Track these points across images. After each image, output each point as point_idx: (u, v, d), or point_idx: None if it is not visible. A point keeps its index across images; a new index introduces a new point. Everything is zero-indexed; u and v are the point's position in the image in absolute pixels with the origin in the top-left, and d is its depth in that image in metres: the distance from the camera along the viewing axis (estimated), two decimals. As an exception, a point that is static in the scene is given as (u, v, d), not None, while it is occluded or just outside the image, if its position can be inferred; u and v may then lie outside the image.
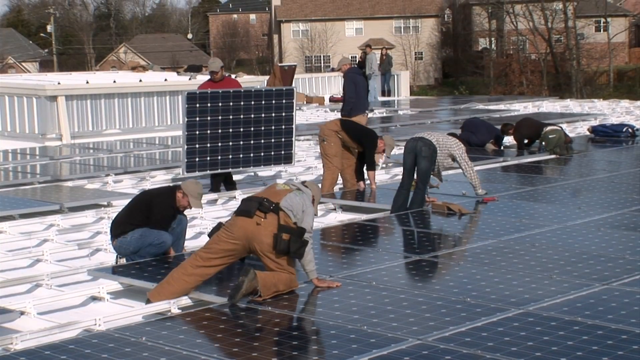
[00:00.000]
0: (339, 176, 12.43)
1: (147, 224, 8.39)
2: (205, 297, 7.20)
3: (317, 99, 29.96)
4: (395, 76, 34.39)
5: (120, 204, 11.59)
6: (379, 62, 31.94)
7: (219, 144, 12.58)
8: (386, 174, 14.36)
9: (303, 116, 25.32)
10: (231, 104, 12.56)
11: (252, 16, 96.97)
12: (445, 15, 79.47)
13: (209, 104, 12.42)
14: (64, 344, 6.07)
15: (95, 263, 8.91)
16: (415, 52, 72.55)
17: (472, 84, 61.62)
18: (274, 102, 12.99)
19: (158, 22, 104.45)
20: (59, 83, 21.25)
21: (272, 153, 13.21)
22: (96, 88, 21.49)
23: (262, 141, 12.99)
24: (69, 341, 6.15)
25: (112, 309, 7.34)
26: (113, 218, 8.75)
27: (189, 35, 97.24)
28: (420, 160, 10.43)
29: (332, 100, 30.26)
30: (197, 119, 12.35)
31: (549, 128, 15.97)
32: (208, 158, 12.54)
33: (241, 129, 12.77)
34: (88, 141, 19.74)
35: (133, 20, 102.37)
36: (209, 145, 12.53)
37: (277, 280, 7.04)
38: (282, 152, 13.34)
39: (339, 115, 15.39)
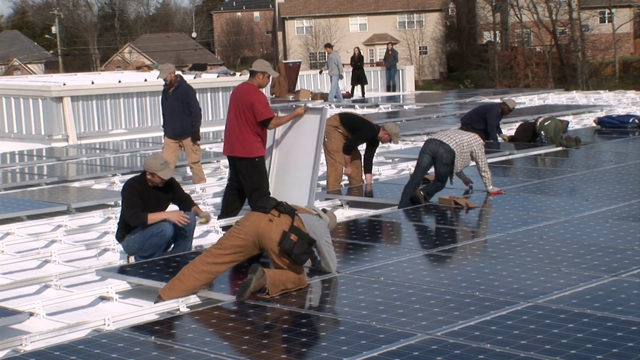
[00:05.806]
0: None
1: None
2: (214, 295, 7.20)
3: (321, 96, 29.94)
4: (400, 71, 34.38)
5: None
6: (384, 57, 31.78)
7: None
8: (392, 169, 14.34)
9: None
10: None
11: (256, 14, 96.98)
12: (449, 9, 79.33)
13: None
14: (73, 344, 6.08)
15: (104, 263, 8.92)
16: (419, 47, 72.47)
17: (477, 78, 61.47)
18: None
19: (162, 21, 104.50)
20: (64, 84, 21.26)
21: None
22: (102, 88, 21.49)
23: None
24: (79, 341, 6.16)
25: (121, 309, 7.35)
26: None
27: (193, 34, 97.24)
28: (440, 165, 10.67)
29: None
30: None
31: (541, 119, 16.08)
32: None
33: None
34: (94, 141, 19.76)
35: (137, 20, 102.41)
36: None
37: (286, 278, 7.03)
38: None
39: (343, 111, 15.36)
